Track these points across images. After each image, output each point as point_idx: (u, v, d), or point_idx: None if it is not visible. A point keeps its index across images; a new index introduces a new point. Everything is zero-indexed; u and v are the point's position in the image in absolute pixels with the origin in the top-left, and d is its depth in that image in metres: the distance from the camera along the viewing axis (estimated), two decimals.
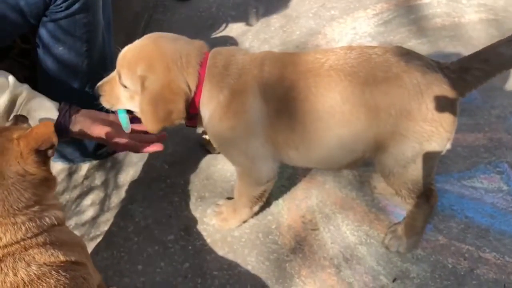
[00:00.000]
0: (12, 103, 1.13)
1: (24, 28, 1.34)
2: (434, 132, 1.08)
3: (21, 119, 1.09)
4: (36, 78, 1.44)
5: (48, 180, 0.99)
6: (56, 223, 0.96)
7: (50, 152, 1.00)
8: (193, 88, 1.15)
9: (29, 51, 1.67)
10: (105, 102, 1.24)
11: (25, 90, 1.16)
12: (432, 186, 1.23)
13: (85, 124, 1.22)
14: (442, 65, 1.11)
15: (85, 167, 1.66)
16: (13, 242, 0.89)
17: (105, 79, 1.24)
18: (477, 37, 1.99)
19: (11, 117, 1.13)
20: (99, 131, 1.23)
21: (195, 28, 2.16)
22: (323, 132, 1.14)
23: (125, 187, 1.59)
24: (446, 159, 1.54)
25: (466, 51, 1.93)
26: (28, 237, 0.90)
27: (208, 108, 1.18)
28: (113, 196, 1.57)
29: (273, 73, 1.14)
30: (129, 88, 1.17)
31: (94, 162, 1.67)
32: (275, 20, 2.17)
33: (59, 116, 1.18)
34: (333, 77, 1.11)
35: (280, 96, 1.13)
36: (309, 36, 2.07)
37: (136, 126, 1.29)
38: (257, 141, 1.18)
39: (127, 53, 1.17)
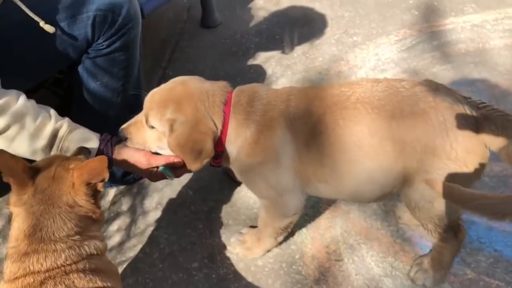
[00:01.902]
0: (54, 136, 1.17)
1: (66, 65, 1.40)
2: (458, 171, 1.07)
3: (84, 151, 1.13)
4: (68, 108, 1.49)
5: (94, 213, 1.01)
6: (95, 253, 0.98)
7: (100, 185, 1.02)
8: (219, 126, 1.18)
9: (62, 81, 1.74)
10: (132, 144, 1.25)
11: (65, 123, 1.19)
12: (460, 221, 1.21)
13: (129, 154, 1.24)
14: (473, 103, 1.10)
15: (112, 192, 1.69)
16: (54, 267, 0.92)
17: (130, 121, 1.26)
18: (502, 63, 1.97)
19: (59, 148, 1.17)
20: (144, 162, 1.24)
21: (220, 54, 2.20)
22: (352, 165, 1.14)
23: (151, 213, 1.62)
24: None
25: (492, 77, 1.92)
26: (67, 264, 0.93)
27: (235, 145, 1.20)
28: (139, 221, 1.60)
29: (300, 107, 1.16)
30: (157, 129, 1.19)
31: (121, 187, 1.70)
32: (297, 47, 2.19)
33: (100, 145, 1.21)
34: (360, 109, 1.12)
35: (308, 129, 1.15)
36: (331, 63, 2.09)
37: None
38: (286, 175, 1.19)
39: (155, 96, 1.20)
